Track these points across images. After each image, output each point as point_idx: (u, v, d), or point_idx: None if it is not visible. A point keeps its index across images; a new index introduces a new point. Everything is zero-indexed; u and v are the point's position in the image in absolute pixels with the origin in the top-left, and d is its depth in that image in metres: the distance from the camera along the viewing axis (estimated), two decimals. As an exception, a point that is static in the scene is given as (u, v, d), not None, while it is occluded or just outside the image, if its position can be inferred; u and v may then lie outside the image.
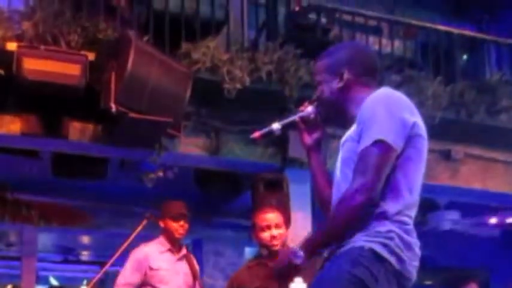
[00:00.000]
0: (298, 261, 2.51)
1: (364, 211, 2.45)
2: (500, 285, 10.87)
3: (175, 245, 5.39)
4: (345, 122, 2.72)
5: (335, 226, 2.50)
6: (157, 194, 5.65)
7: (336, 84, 2.71)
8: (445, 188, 7.30)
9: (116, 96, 5.37)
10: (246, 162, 6.68)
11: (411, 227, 2.53)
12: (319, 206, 2.92)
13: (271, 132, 2.79)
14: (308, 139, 2.86)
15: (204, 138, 6.46)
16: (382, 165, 2.46)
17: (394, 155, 2.48)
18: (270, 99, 6.12)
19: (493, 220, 9.45)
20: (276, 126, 2.78)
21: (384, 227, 2.44)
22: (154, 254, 5.33)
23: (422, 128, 2.58)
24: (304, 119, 2.83)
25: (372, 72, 2.75)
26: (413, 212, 2.57)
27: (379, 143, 2.46)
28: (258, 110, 6.03)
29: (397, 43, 6.83)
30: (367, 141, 2.47)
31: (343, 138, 2.68)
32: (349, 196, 2.44)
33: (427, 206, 8.66)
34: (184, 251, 5.51)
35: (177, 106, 5.70)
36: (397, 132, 2.48)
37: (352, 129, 2.61)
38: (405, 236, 2.47)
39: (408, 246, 2.47)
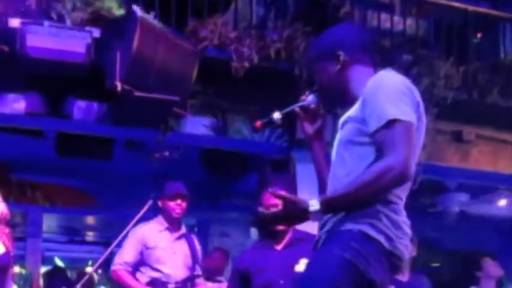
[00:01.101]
0: (313, 217, 2.48)
1: (397, 185, 2.44)
2: (508, 268, 10.83)
3: (173, 224, 5.42)
4: (348, 103, 2.69)
5: (363, 193, 2.44)
6: (163, 174, 5.59)
7: (334, 68, 2.69)
8: (456, 170, 7.22)
9: (121, 74, 5.29)
10: (253, 143, 6.62)
11: (400, 206, 2.54)
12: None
13: (271, 122, 2.81)
14: (309, 128, 2.85)
15: (210, 118, 6.40)
16: (411, 140, 2.44)
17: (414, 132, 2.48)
18: (278, 78, 6.02)
19: (503, 202, 9.38)
20: (276, 115, 2.80)
21: (372, 207, 2.45)
22: (152, 233, 5.35)
23: (423, 112, 2.58)
24: (305, 109, 2.83)
25: (368, 50, 2.75)
26: (404, 193, 2.56)
27: (400, 121, 2.43)
28: (266, 89, 5.95)
29: (410, 21, 6.71)
30: (382, 119, 2.44)
31: (342, 119, 2.66)
32: (384, 169, 2.39)
33: (437, 188, 8.60)
34: (183, 230, 5.52)
35: (184, 85, 5.62)
36: (412, 111, 2.48)
37: (353, 110, 2.60)
38: (393, 215, 2.48)
39: (396, 225, 2.48)
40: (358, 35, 2.80)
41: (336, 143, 2.68)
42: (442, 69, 6.25)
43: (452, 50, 6.69)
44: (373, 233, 2.44)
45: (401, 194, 2.56)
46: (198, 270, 5.50)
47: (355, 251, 2.41)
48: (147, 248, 5.30)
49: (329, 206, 2.47)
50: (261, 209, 4.15)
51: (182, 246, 5.44)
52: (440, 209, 9.02)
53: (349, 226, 2.46)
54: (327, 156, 2.86)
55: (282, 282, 4.09)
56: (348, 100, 2.70)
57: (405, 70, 5.95)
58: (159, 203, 5.42)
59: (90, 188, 8.98)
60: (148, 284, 5.30)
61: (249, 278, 4.23)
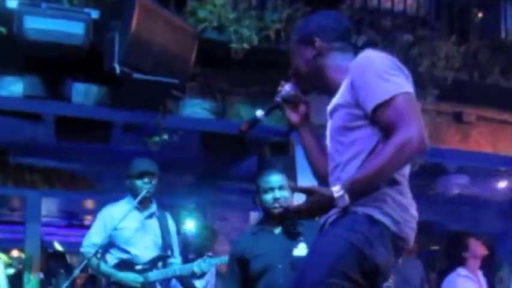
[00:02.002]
0: (341, 204, 2.43)
1: (418, 156, 2.42)
2: (506, 251, 10.85)
3: (142, 203, 5.26)
4: (327, 89, 2.70)
5: (386, 170, 2.42)
6: (162, 157, 5.56)
7: (310, 53, 2.71)
8: (455, 152, 7.19)
9: (120, 56, 5.24)
10: (252, 125, 6.56)
11: (405, 187, 2.53)
12: (317, 181, 2.88)
13: (256, 121, 2.87)
14: (295, 117, 2.88)
15: (210, 101, 6.35)
16: (417, 109, 2.44)
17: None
18: (278, 59, 5.98)
19: (503, 184, 9.37)
20: (259, 113, 2.87)
21: (378, 189, 2.43)
22: (120, 214, 5.19)
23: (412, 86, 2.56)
24: (286, 99, 2.85)
25: (345, 37, 2.75)
26: (406, 170, 2.55)
27: (400, 95, 2.43)
28: (266, 70, 5.91)
29: (410, 1, 6.66)
30: (380, 98, 2.43)
31: (329, 108, 2.65)
32: (403, 142, 2.37)
33: (436, 171, 8.58)
34: (153, 209, 5.41)
35: (183, 67, 5.57)
36: (406, 82, 2.49)
37: (339, 96, 2.59)
38: (399, 197, 2.47)
39: (402, 207, 2.47)
40: (337, 22, 2.78)
41: (328, 132, 2.67)
42: (443, 49, 6.21)
43: (453, 30, 6.65)
44: (379, 216, 2.43)
45: (404, 172, 2.55)
46: (172, 250, 5.39)
47: (360, 235, 2.40)
48: (115, 229, 5.18)
49: (354, 189, 2.42)
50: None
51: (152, 226, 5.34)
52: (440, 192, 9.00)
53: (354, 209, 2.44)
54: (318, 139, 2.88)
55: (280, 266, 4.07)
56: (325, 86, 2.71)
57: (406, 50, 5.93)
58: (127, 182, 5.33)
59: (89, 172, 8.96)
60: (116, 265, 5.23)
61: (247, 263, 4.20)
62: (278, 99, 2.86)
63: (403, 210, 2.48)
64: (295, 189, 2.64)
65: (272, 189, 4.22)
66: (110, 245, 5.27)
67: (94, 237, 5.28)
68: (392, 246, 2.46)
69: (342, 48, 2.70)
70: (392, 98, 2.41)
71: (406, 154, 2.37)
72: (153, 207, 5.40)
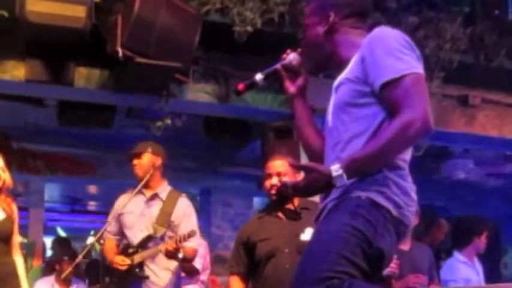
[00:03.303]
0: (339, 183, 2.38)
1: (421, 138, 2.37)
2: (511, 236, 10.84)
3: (144, 186, 5.15)
4: (335, 66, 2.64)
5: (388, 151, 2.38)
6: (165, 142, 5.52)
7: (322, 28, 2.64)
8: (461, 136, 7.16)
9: (122, 40, 5.20)
10: (256, 110, 6.54)
11: (406, 171, 2.48)
12: (308, 159, 2.83)
13: (254, 83, 2.79)
14: (291, 87, 2.81)
15: (213, 84, 6.32)
16: (425, 91, 2.39)
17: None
18: (282, 42, 5.92)
19: (508, 168, 9.34)
20: (258, 76, 2.78)
21: (380, 173, 2.39)
22: (124, 199, 5.18)
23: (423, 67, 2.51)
24: (287, 67, 2.79)
25: (362, 14, 2.69)
26: (408, 156, 2.52)
27: (410, 75, 2.37)
28: (270, 54, 5.85)
29: (416, -19, 6.61)
30: (389, 76, 2.37)
31: (336, 82, 2.59)
32: (406, 123, 2.32)
33: (441, 154, 8.55)
34: (158, 190, 5.21)
35: (186, 50, 5.53)
36: (417, 62, 2.43)
37: (348, 71, 2.53)
38: (401, 181, 2.43)
39: (404, 191, 2.43)
40: None
41: (330, 107, 2.61)
42: (449, 31, 6.17)
43: (459, 12, 6.60)
44: (381, 200, 2.38)
45: (406, 157, 2.51)
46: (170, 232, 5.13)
47: (363, 219, 2.35)
48: (120, 215, 5.18)
49: (353, 168, 2.37)
50: (281, 181, 4.08)
51: (152, 208, 5.16)
52: (445, 176, 8.98)
53: (357, 193, 2.40)
54: (311, 115, 2.83)
55: (286, 251, 4.05)
56: (335, 62, 2.65)
57: (411, 32, 5.86)
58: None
59: (91, 157, 8.94)
60: (121, 250, 5.19)
61: (253, 248, 4.19)
62: (279, 65, 2.80)
63: (404, 195, 2.44)
64: (293, 166, 2.59)
65: (270, 175, 4.21)
66: (121, 231, 5.26)
67: (108, 225, 5.27)
68: (394, 231, 2.43)
69: (356, 25, 2.64)
70: (401, 77, 2.36)
71: (409, 135, 2.33)
72: (159, 189, 5.22)
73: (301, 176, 4.04)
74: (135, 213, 5.18)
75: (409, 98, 2.34)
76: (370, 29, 2.58)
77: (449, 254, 6.46)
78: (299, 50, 2.80)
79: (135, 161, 5.15)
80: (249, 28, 5.70)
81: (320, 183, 2.41)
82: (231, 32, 5.75)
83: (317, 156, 2.71)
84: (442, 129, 6.64)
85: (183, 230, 4.91)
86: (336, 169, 2.36)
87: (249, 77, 2.81)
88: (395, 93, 2.37)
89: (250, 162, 8.50)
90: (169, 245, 4.76)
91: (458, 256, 6.21)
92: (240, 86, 2.84)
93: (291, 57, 2.79)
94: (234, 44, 5.85)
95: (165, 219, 5.09)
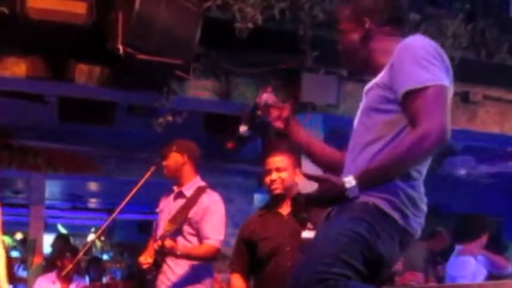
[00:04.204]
0: (351, 194, 2.40)
1: (435, 151, 2.37)
2: (512, 232, 10.84)
3: (178, 183, 5.07)
4: (372, 71, 2.63)
5: (401, 163, 2.37)
6: (166, 139, 5.51)
7: (357, 35, 2.63)
8: (462, 132, 7.14)
9: (123, 36, 5.20)
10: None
11: (419, 182, 2.46)
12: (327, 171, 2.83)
13: (242, 137, 2.85)
14: (278, 123, 2.88)
15: (214, 81, 6.31)
16: (446, 104, 2.39)
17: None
18: (283, 39, 5.93)
19: (510, 164, 9.33)
20: (242, 128, 2.84)
21: (390, 181, 2.38)
22: (162, 197, 5.17)
23: (452, 78, 2.52)
24: (265, 108, 2.84)
25: (397, 22, 2.65)
26: (424, 168, 2.50)
27: (434, 87, 2.37)
28: (271, 50, 5.86)
29: (418, -22, 6.59)
30: (414, 85, 2.37)
31: (367, 87, 2.59)
32: (422, 136, 2.31)
33: (442, 151, 8.53)
34: (183, 188, 5.07)
35: (187, 47, 5.53)
36: (444, 74, 2.43)
37: (379, 76, 2.52)
38: (411, 192, 2.41)
39: (413, 202, 2.42)
40: (392, 4, 2.67)
41: (359, 111, 2.62)
42: (450, 28, 6.15)
43: (461, 9, 6.58)
44: (388, 209, 2.38)
45: (422, 169, 2.50)
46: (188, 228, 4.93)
47: (368, 225, 2.36)
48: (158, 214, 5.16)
49: (366, 180, 2.38)
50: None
51: (177, 205, 5.02)
52: (446, 172, 8.98)
53: (364, 199, 2.40)
54: (310, 139, 2.88)
55: (288, 249, 4.04)
56: (371, 67, 2.64)
57: (413, 29, 5.86)
58: None
59: (92, 154, 8.94)
60: None
61: (255, 246, 4.18)
62: (257, 111, 2.84)
63: (413, 206, 2.44)
64: (308, 177, 2.58)
65: (269, 170, 4.19)
66: None
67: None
68: (398, 240, 2.43)
69: (392, 33, 2.62)
70: (424, 88, 2.35)
71: (423, 149, 2.32)
72: (186, 186, 5.04)
73: (300, 172, 4.08)
74: (164, 211, 5.14)
75: (428, 110, 2.33)
76: (406, 35, 2.57)
77: (444, 258, 6.48)
78: (269, 88, 2.85)
79: (164, 163, 5.07)
80: (250, 25, 5.69)
81: (333, 194, 2.42)
82: (232, 28, 5.74)
83: (336, 168, 2.72)
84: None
85: (204, 227, 4.79)
86: (349, 181, 2.38)
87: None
88: (415, 104, 2.36)
89: (251, 160, 8.50)
90: (156, 243, 4.69)
91: (463, 251, 6.21)
92: (230, 145, 2.97)
93: (264, 97, 2.83)
94: (235, 41, 5.84)
95: (179, 217, 4.98)
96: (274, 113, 2.85)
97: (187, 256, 4.74)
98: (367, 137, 2.50)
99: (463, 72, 6.47)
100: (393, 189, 2.39)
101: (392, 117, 2.45)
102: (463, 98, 6.92)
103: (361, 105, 2.62)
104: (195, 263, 4.82)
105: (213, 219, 4.83)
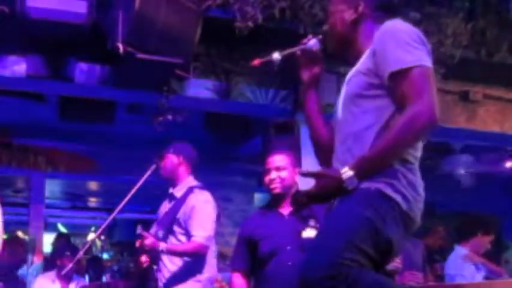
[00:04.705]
0: (350, 185, 2.39)
1: (428, 132, 2.39)
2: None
3: (174, 185, 5.25)
4: (353, 54, 2.65)
5: (396, 148, 2.39)
6: (166, 138, 5.51)
7: (349, 16, 2.66)
8: (462, 131, 7.14)
9: (123, 35, 5.20)
10: (257, 105, 6.54)
11: (416, 166, 2.49)
12: (314, 149, 2.85)
13: (271, 62, 2.79)
14: (307, 74, 2.82)
15: (214, 80, 6.31)
16: (432, 85, 2.40)
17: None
18: (283, 38, 5.91)
19: (509, 164, 9.33)
20: (276, 56, 2.79)
21: (390, 166, 2.40)
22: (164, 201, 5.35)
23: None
24: (306, 52, 2.80)
25: (388, 8, 2.71)
26: (418, 153, 2.52)
27: (418, 67, 2.39)
28: (271, 49, 5.84)
29: (418, -23, 6.60)
30: (398, 67, 2.39)
31: (348, 76, 2.61)
32: (412, 117, 2.34)
33: (442, 150, 8.55)
34: (174, 190, 5.22)
35: (187, 46, 5.52)
36: (427, 56, 2.45)
37: (360, 63, 2.55)
38: (410, 175, 2.44)
39: (413, 186, 2.44)
40: None
41: (340, 99, 2.62)
42: (450, 26, 6.16)
43: (461, 7, 6.58)
44: (391, 192, 2.39)
45: (417, 154, 2.51)
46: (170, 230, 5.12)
47: (373, 210, 2.36)
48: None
49: (363, 169, 2.39)
50: (281, 177, 4.10)
51: (169, 206, 5.19)
52: (446, 171, 8.97)
53: (366, 184, 2.40)
54: (320, 106, 2.84)
55: (289, 248, 4.03)
56: (354, 51, 2.66)
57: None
58: None
59: (92, 153, 8.94)
60: None
61: (255, 245, 4.18)
62: (298, 50, 2.81)
63: (413, 189, 2.45)
64: (303, 174, 2.58)
65: (269, 170, 4.20)
66: None
67: None
68: (402, 224, 2.43)
69: (381, 19, 2.64)
70: (409, 69, 2.38)
71: (415, 129, 2.34)
72: (177, 188, 5.21)
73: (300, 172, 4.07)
74: (160, 214, 5.25)
75: (416, 91, 2.36)
76: None
77: (442, 255, 6.48)
78: (320, 36, 2.80)
79: (161, 164, 5.23)
80: (250, 24, 5.69)
81: (332, 187, 2.43)
82: (232, 27, 5.74)
83: (324, 146, 2.74)
84: (443, 124, 6.62)
85: (190, 224, 4.92)
86: (345, 172, 2.39)
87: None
88: (402, 85, 2.39)
89: (250, 158, 8.50)
90: (137, 242, 4.88)
91: (461, 250, 6.21)
92: (256, 62, 2.84)
93: (312, 43, 2.80)
94: (235, 40, 5.84)
95: (166, 218, 5.11)
96: (309, 61, 2.83)
97: (172, 252, 4.92)
98: (358, 125, 2.51)
99: (463, 71, 6.53)
100: (393, 174, 2.41)
101: (382, 102, 2.47)
102: (463, 96, 6.92)
103: (343, 94, 2.62)
104: (186, 259, 4.97)
105: (199, 217, 4.96)
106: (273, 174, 4.16)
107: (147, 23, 5.22)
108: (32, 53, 5.61)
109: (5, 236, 4.76)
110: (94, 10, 5.26)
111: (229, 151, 8.91)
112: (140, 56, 5.29)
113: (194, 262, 4.98)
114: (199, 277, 4.98)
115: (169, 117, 6.42)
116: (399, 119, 2.36)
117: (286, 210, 4.19)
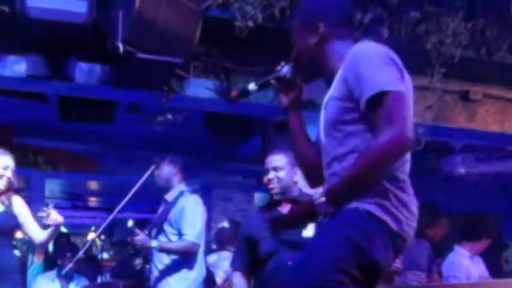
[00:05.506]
0: (323, 210, 2.42)
1: (401, 157, 2.38)
2: (512, 231, 10.84)
3: (166, 191, 5.81)
4: (326, 77, 2.64)
5: (368, 173, 2.37)
6: (166, 138, 5.53)
7: (312, 40, 2.63)
8: (462, 131, 7.13)
9: (123, 35, 5.19)
10: (257, 105, 6.52)
11: (407, 183, 2.47)
12: (303, 172, 2.88)
13: (247, 92, 2.82)
14: (285, 99, 2.82)
15: (214, 80, 6.30)
16: (404, 109, 2.38)
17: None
18: (283, 37, 5.90)
19: (510, 163, 9.32)
20: (251, 86, 2.81)
21: (379, 185, 2.38)
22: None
23: (408, 79, 2.50)
24: (280, 79, 2.79)
25: (348, 23, 2.70)
26: (407, 167, 2.50)
27: (390, 92, 2.36)
28: (271, 49, 5.84)
29: (417, -24, 6.58)
30: (370, 93, 2.37)
31: (325, 100, 2.60)
32: (385, 143, 2.32)
33: (442, 150, 8.54)
34: (167, 196, 5.71)
35: (187, 46, 5.51)
36: (399, 79, 2.41)
37: (333, 88, 2.54)
38: (401, 194, 2.42)
39: (404, 204, 2.41)
40: (342, 6, 2.71)
41: (321, 124, 2.62)
42: (450, 26, 6.14)
43: (461, 7, 6.57)
44: (381, 214, 2.38)
45: (405, 169, 2.50)
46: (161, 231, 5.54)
47: (360, 231, 2.35)
48: None
49: (335, 194, 2.40)
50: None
51: (161, 209, 5.65)
52: (446, 171, 8.96)
53: (355, 204, 2.39)
54: (304, 126, 2.82)
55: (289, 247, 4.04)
56: (326, 73, 2.65)
57: (413, 27, 5.86)
58: None
59: (92, 152, 8.95)
60: None
61: (255, 245, 4.19)
62: (272, 78, 2.82)
63: (404, 208, 2.43)
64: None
65: (267, 170, 4.22)
66: None
67: None
68: (392, 246, 2.42)
69: (344, 35, 2.64)
70: (382, 94, 2.36)
71: (388, 157, 2.34)
72: (168, 194, 5.64)
73: (299, 171, 4.08)
74: (156, 215, 5.70)
75: (388, 117, 2.34)
76: (370, 24, 2.58)
77: (440, 253, 6.47)
78: (291, 62, 2.80)
79: (156, 172, 5.65)
80: (250, 23, 5.69)
81: (309, 211, 2.45)
82: (232, 27, 5.73)
83: (312, 167, 2.73)
84: (442, 124, 6.63)
85: (182, 224, 5.35)
86: (316, 197, 2.41)
87: (248, 80, 2.87)
88: (375, 111, 2.37)
89: (250, 158, 8.50)
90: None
91: (460, 250, 6.21)
92: (233, 93, 2.88)
93: (285, 70, 2.80)
94: (235, 39, 5.83)
95: (159, 219, 5.52)
96: (286, 87, 2.83)
97: (165, 250, 5.36)
98: (343, 148, 2.50)
99: (463, 70, 6.51)
100: (383, 193, 2.39)
101: (360, 127, 2.46)
102: (463, 96, 6.90)
103: (322, 118, 2.62)
104: (175, 259, 5.41)
105: (189, 217, 5.42)
106: (271, 174, 4.18)
107: (147, 22, 5.21)
108: (32, 52, 5.59)
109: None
110: (94, 10, 5.24)
111: (229, 151, 8.91)
112: (140, 55, 5.28)
113: (184, 261, 5.36)
114: (188, 275, 5.38)
115: (169, 117, 6.43)
116: (372, 145, 2.36)
117: (286, 209, 4.19)
